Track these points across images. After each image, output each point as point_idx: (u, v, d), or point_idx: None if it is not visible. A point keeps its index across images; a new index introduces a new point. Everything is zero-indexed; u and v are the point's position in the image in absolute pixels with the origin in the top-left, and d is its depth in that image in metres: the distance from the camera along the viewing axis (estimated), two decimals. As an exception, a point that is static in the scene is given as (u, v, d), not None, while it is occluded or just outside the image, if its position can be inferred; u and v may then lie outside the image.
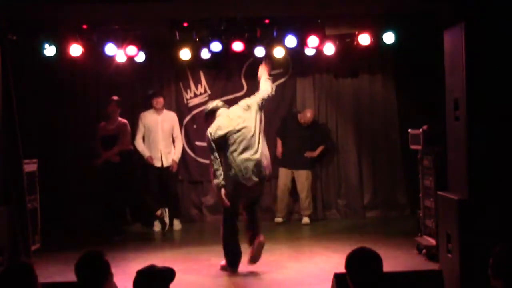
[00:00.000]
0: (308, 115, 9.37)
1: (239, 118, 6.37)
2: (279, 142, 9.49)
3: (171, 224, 9.21)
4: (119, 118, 8.85)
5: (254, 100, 6.50)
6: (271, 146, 9.43)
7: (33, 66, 8.75)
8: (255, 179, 6.34)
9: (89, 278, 3.42)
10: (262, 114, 6.56)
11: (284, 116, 9.66)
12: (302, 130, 9.37)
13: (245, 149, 6.30)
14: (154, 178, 9.11)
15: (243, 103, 6.52)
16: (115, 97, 8.83)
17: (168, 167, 9.12)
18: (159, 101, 9.16)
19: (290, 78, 9.78)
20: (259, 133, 6.40)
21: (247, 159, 6.28)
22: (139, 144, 9.10)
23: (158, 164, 9.06)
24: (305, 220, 9.30)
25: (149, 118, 9.13)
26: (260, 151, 6.36)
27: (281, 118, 9.66)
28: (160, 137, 9.08)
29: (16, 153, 6.73)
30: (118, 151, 8.68)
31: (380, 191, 9.75)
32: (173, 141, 9.26)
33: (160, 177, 9.11)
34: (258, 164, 6.32)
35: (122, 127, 8.82)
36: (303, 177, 9.32)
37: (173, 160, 9.16)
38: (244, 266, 6.86)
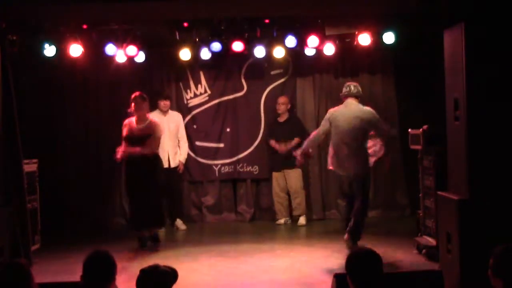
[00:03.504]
0: (280, 101, 9.37)
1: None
2: (272, 142, 9.43)
3: (173, 224, 9.23)
4: (149, 117, 7.97)
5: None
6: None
7: (33, 66, 8.75)
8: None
9: (97, 278, 3.42)
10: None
11: (267, 122, 9.66)
12: (282, 128, 9.35)
13: None
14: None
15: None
16: (138, 92, 7.91)
17: (174, 168, 9.17)
18: (167, 103, 9.21)
19: (290, 78, 9.77)
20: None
21: None
22: None
23: (165, 165, 9.06)
24: (301, 221, 9.26)
25: (155, 119, 9.11)
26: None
27: (266, 123, 9.68)
28: (167, 138, 9.05)
29: (16, 153, 6.74)
30: (141, 154, 7.68)
31: (380, 191, 9.75)
32: (178, 142, 9.31)
33: (166, 177, 9.13)
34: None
35: (154, 127, 7.83)
36: (293, 176, 9.32)
37: (179, 161, 9.21)
38: (244, 266, 6.88)
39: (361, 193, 7.25)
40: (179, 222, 9.25)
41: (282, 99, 9.43)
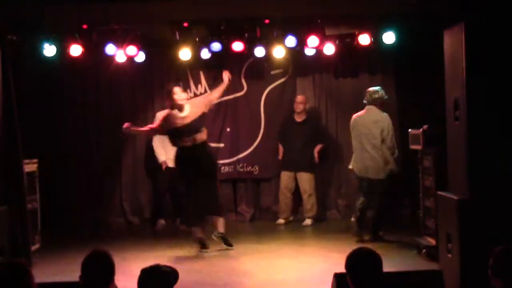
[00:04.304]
0: (298, 100, 9.36)
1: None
2: (280, 148, 9.50)
3: (174, 223, 9.24)
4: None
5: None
6: (272, 149, 9.54)
7: (33, 66, 8.75)
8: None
9: (96, 278, 3.41)
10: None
11: (282, 120, 9.66)
12: (300, 127, 9.35)
13: None
14: (164, 179, 9.18)
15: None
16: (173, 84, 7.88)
17: None
18: None
19: (290, 78, 9.78)
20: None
21: None
22: (157, 146, 9.14)
23: (171, 164, 9.09)
24: (307, 221, 9.28)
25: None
26: None
27: (280, 122, 9.66)
28: None
29: (16, 153, 6.74)
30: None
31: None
32: None
33: (171, 176, 9.17)
34: None
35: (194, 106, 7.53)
36: (305, 179, 9.31)
37: None
38: (244, 266, 6.88)
39: (378, 195, 7.80)
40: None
41: (300, 98, 9.38)
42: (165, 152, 9.11)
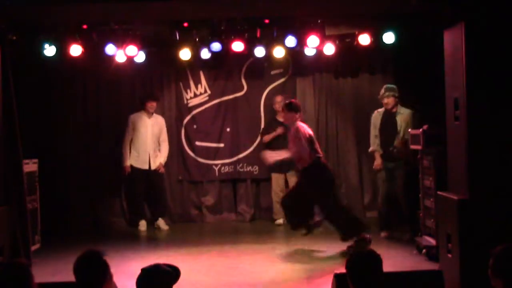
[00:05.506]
0: (277, 100, 9.30)
1: None
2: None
3: (155, 224, 9.25)
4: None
5: None
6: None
7: (33, 66, 8.75)
8: None
9: (87, 278, 3.41)
10: None
11: (266, 121, 9.65)
12: (281, 126, 9.30)
13: None
14: (140, 180, 9.22)
15: None
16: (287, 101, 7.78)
17: (155, 170, 9.24)
18: (153, 105, 9.24)
19: (290, 78, 9.78)
20: None
21: None
22: (126, 149, 9.16)
23: (145, 166, 9.16)
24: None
25: (140, 120, 9.21)
26: None
27: (265, 122, 9.66)
28: (150, 140, 9.19)
29: (16, 153, 6.74)
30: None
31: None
32: (159, 145, 9.36)
33: (147, 178, 9.23)
34: None
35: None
36: (294, 179, 9.28)
37: (160, 163, 9.28)
38: (244, 266, 6.88)
39: None
40: (161, 222, 9.25)
41: (279, 98, 9.33)
42: (137, 154, 9.15)
